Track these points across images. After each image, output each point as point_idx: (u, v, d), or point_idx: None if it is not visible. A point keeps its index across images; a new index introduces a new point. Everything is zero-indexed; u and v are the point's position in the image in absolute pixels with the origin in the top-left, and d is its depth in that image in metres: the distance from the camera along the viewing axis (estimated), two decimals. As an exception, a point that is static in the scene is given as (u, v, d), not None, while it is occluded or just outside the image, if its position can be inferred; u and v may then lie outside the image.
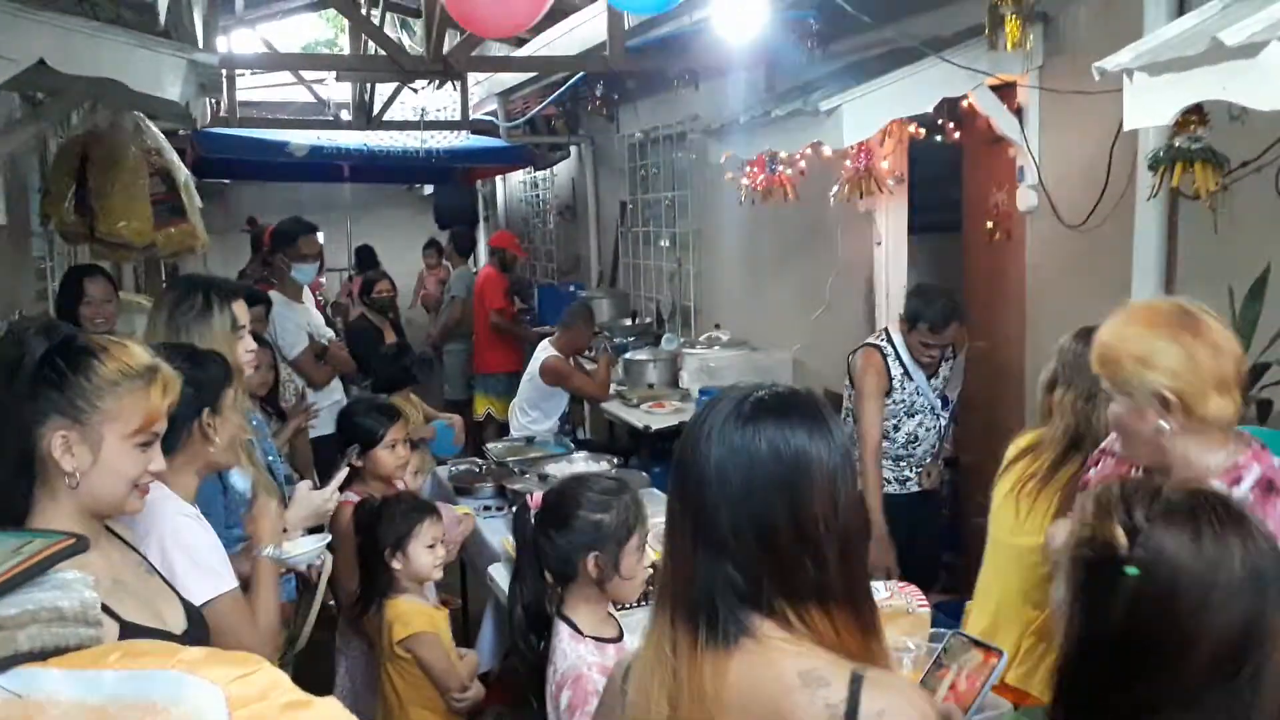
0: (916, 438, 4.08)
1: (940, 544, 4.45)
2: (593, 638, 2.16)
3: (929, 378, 4.04)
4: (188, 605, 1.78)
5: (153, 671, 0.86)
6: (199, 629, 1.74)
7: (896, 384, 3.98)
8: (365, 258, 9.29)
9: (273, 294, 4.98)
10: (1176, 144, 2.59)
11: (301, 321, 5.06)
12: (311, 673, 3.42)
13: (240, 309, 2.70)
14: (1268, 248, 2.86)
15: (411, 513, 2.87)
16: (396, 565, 2.80)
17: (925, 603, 2.72)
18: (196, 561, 1.95)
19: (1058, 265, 3.79)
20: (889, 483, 4.08)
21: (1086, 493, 1.29)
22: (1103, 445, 2.27)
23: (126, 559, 1.74)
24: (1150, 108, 2.36)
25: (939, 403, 4.10)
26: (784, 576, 1.21)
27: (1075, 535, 1.25)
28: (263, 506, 2.27)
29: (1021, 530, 2.56)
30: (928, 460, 4.12)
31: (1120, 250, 3.30)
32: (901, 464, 4.10)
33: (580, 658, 2.08)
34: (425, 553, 2.82)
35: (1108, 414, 2.01)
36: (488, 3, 3.55)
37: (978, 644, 1.44)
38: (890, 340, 4.01)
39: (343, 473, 2.76)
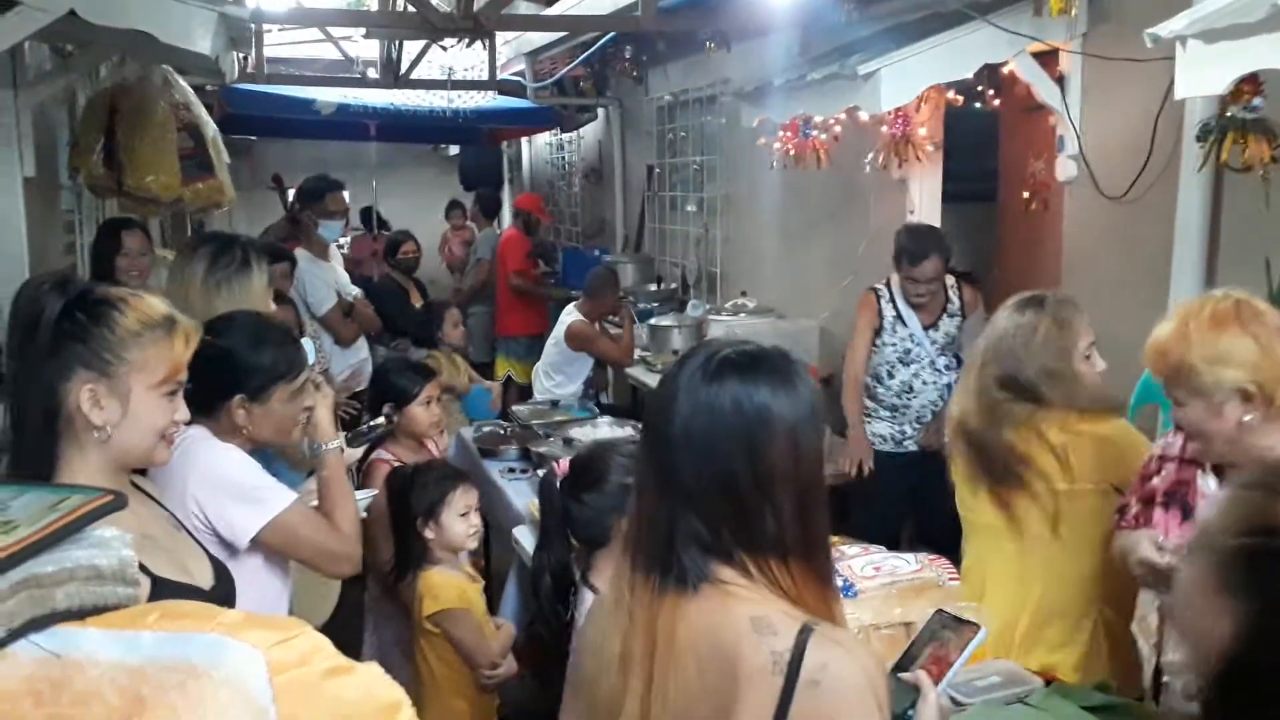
0: (912, 389, 4.10)
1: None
2: None
3: (926, 328, 4.07)
4: (215, 560, 1.78)
5: (192, 634, 0.85)
6: (225, 584, 1.73)
7: (888, 324, 4.08)
8: (367, 219, 9.27)
9: (299, 251, 4.99)
10: (1229, 114, 2.52)
11: (329, 279, 5.06)
12: (339, 631, 3.46)
13: (272, 271, 2.68)
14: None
15: (444, 480, 2.84)
16: (429, 534, 2.77)
17: (956, 575, 2.71)
18: (239, 489, 1.96)
19: (1096, 237, 3.72)
20: (884, 440, 4.14)
21: (1226, 488, 1.22)
22: (1156, 452, 2.24)
23: (154, 514, 1.74)
24: (1204, 76, 2.28)
25: (939, 357, 4.09)
26: (744, 527, 1.25)
27: (1224, 528, 1.11)
28: (322, 398, 2.24)
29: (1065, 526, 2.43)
30: (928, 416, 4.10)
31: (1162, 223, 3.24)
32: (898, 416, 4.11)
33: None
34: (458, 521, 2.79)
35: (1179, 419, 2.00)
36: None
37: (959, 620, 1.45)
38: (889, 285, 4.11)
39: (380, 421, 2.77)
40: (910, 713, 1.34)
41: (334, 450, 2.16)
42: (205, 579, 1.71)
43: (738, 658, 1.20)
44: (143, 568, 1.54)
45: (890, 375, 4.09)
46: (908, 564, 2.73)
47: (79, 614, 0.85)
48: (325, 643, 0.90)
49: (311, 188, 5.32)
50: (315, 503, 2.19)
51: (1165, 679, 2.16)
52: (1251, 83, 2.52)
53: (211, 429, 2.04)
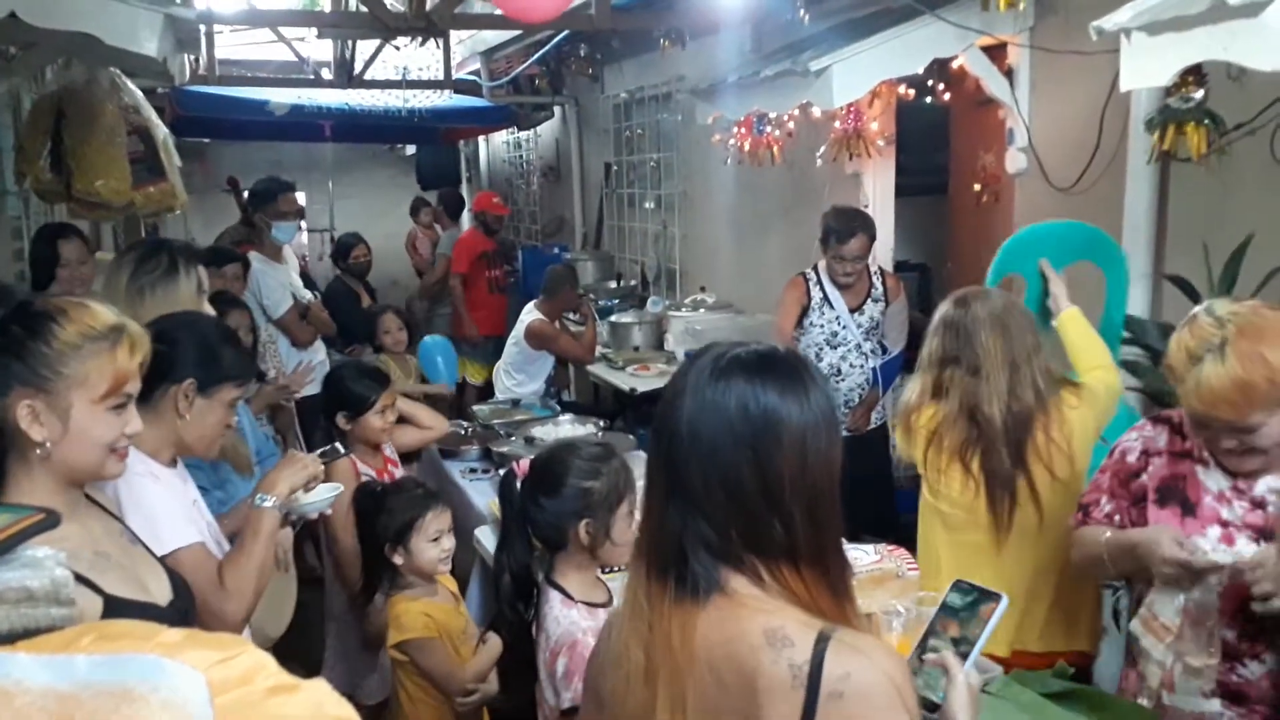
0: (840, 372, 4.23)
1: (892, 500, 4.32)
2: (584, 603, 2.14)
3: (852, 312, 4.22)
4: (174, 574, 1.74)
5: (129, 655, 0.82)
6: (184, 599, 1.70)
7: (815, 305, 4.22)
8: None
9: (253, 254, 4.94)
10: (1172, 105, 2.56)
11: (284, 280, 5.01)
12: (299, 640, 3.43)
13: (204, 273, 2.61)
14: (1260, 211, 2.84)
15: (413, 504, 2.71)
16: (398, 560, 2.67)
17: (915, 566, 2.72)
18: (149, 520, 1.88)
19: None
20: None
21: None
22: (1135, 447, 2.14)
23: (109, 528, 1.69)
24: (1148, 68, 2.31)
25: (865, 341, 4.24)
26: (752, 532, 1.21)
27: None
28: (289, 460, 2.19)
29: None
30: (855, 400, 4.21)
31: (1111, 213, 3.28)
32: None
33: (574, 623, 2.06)
34: (429, 546, 2.67)
35: (1259, 441, 1.85)
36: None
37: (982, 591, 1.41)
38: (817, 269, 4.27)
39: (332, 448, 2.71)
40: (940, 696, 1.30)
41: (270, 510, 2.08)
42: (163, 595, 1.68)
43: (756, 672, 1.16)
44: (95, 586, 1.52)
45: (818, 359, 4.20)
46: (867, 555, 2.74)
47: (9, 638, 0.83)
48: (269, 660, 0.88)
49: (263, 190, 5.26)
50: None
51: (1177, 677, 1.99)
52: (1194, 74, 2.56)
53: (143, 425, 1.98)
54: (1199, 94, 2.53)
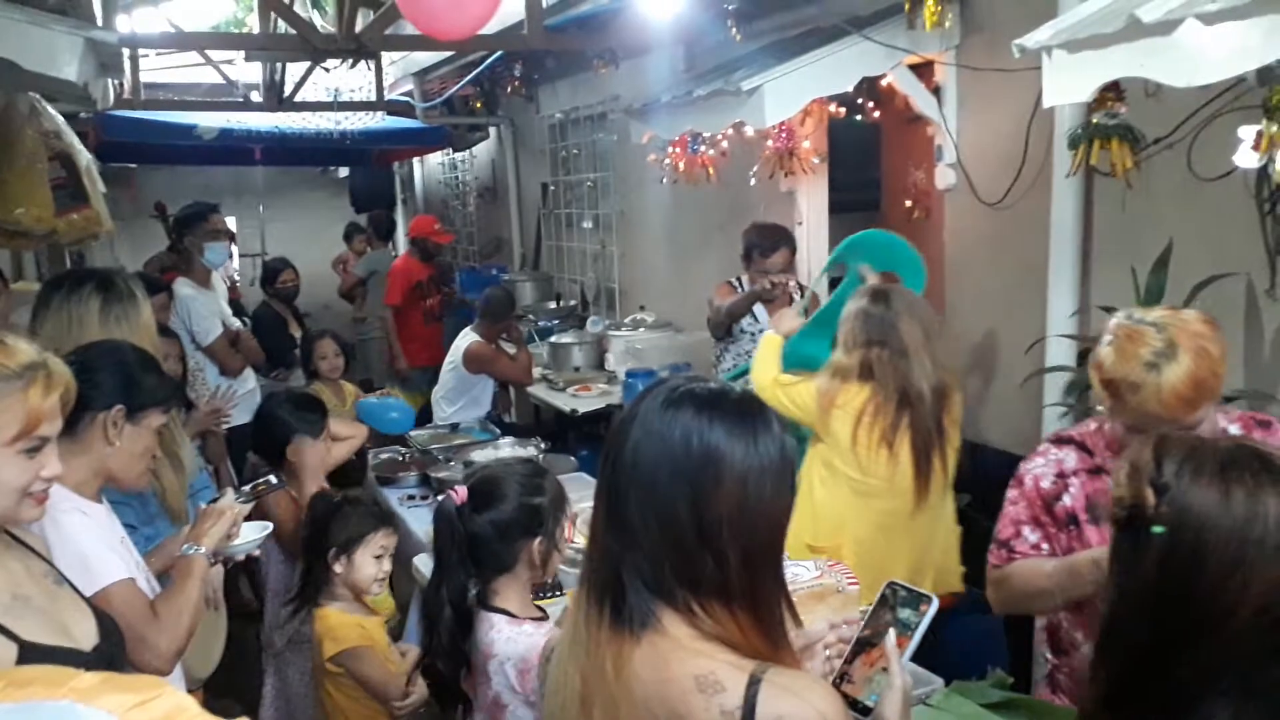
0: None
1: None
2: (529, 619, 2.13)
3: None
4: (103, 616, 1.68)
5: (39, 703, 0.79)
6: (112, 642, 1.63)
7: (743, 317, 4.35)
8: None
9: (182, 281, 4.85)
10: (1095, 121, 2.62)
11: (214, 308, 4.91)
12: (235, 676, 3.34)
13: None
14: (1179, 223, 2.92)
15: (368, 518, 2.77)
16: (338, 569, 2.70)
17: (855, 580, 2.73)
18: (78, 557, 1.83)
19: (975, 243, 3.83)
20: None
21: (1123, 457, 1.25)
22: (1047, 471, 2.12)
23: (31, 570, 1.62)
24: (1068, 85, 2.37)
25: None
26: (686, 568, 1.20)
27: (1112, 499, 1.21)
28: (208, 514, 2.18)
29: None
30: None
31: (1037, 227, 3.35)
32: None
33: (530, 636, 2.05)
34: (370, 562, 2.72)
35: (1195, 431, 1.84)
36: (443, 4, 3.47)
37: (913, 593, 1.40)
38: (742, 282, 4.43)
39: (269, 479, 2.68)
40: (874, 699, 1.30)
41: (202, 557, 2.09)
42: (88, 639, 1.61)
43: (688, 715, 1.15)
44: (9, 633, 1.45)
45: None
46: (808, 571, 2.74)
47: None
48: (189, 702, 0.85)
49: (190, 214, 5.14)
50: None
51: None
52: (1114, 90, 2.62)
53: (68, 459, 1.92)
54: (1122, 110, 2.59)
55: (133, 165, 9.71)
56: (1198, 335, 1.82)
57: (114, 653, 1.63)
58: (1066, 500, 2.07)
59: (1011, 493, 2.16)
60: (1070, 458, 2.09)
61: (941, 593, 2.59)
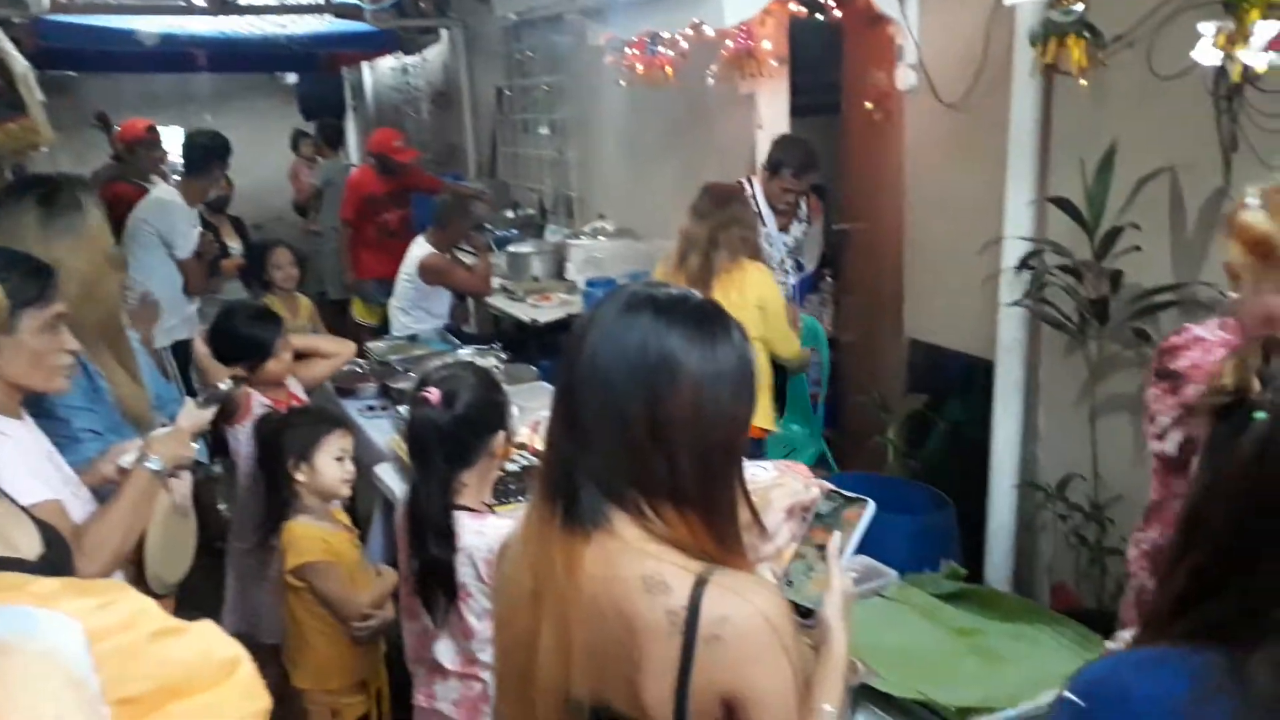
0: None
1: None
2: (490, 513, 2.20)
3: (780, 231, 4.34)
4: (46, 528, 1.67)
5: (1, 608, 0.79)
6: (58, 551, 1.62)
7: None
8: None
9: (167, 189, 4.83)
10: (1054, 18, 2.59)
11: (195, 225, 4.86)
12: (201, 585, 3.36)
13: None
14: (1136, 121, 2.92)
15: (319, 423, 2.75)
16: (301, 478, 2.67)
17: (813, 480, 2.78)
18: (7, 478, 1.79)
19: (936, 144, 3.81)
20: None
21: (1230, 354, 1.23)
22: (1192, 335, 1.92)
23: None
24: (1028, -20, 2.34)
25: (787, 258, 4.37)
26: (637, 471, 1.21)
27: (1211, 386, 1.19)
28: (179, 434, 2.15)
29: None
30: None
31: (997, 128, 3.32)
32: None
33: (497, 531, 2.06)
34: (332, 465, 2.69)
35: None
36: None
37: (848, 498, 1.43)
38: (751, 183, 4.31)
39: (228, 384, 2.64)
40: (816, 603, 1.32)
41: (148, 471, 2.02)
42: (32, 549, 1.60)
43: (634, 615, 1.17)
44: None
45: None
46: (766, 472, 2.78)
47: None
48: (151, 605, 0.85)
49: (219, 145, 5.10)
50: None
51: None
52: (1073, -14, 2.59)
53: None
54: (1079, 7, 2.56)
55: (72, 73, 9.38)
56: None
57: (61, 559, 1.62)
58: (1184, 361, 1.87)
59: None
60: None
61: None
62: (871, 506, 1.38)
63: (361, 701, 2.76)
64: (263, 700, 0.87)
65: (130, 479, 2.01)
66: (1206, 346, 1.89)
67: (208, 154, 5.06)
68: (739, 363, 1.24)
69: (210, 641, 0.87)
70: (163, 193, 4.78)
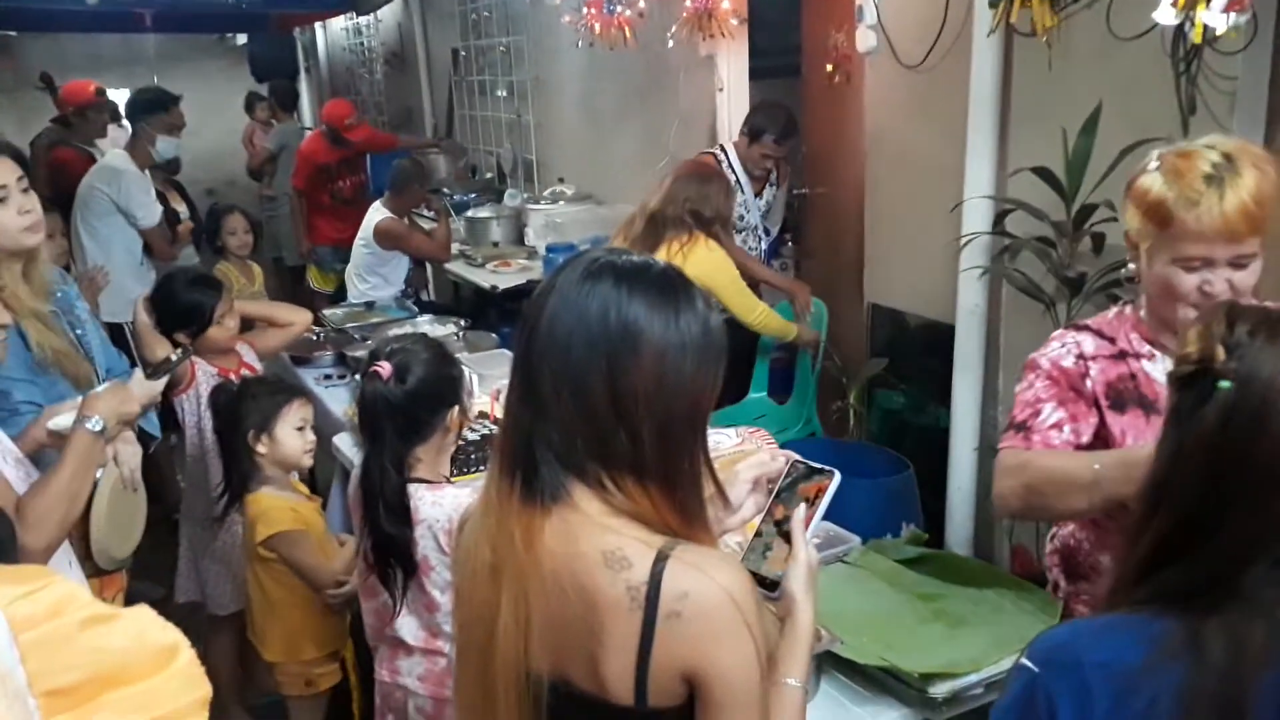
0: None
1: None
2: (446, 484, 2.18)
3: (755, 196, 4.31)
4: None
5: (-86, 598, 0.74)
6: (2, 530, 1.57)
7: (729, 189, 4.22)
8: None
9: (118, 154, 4.72)
10: (1014, -24, 2.55)
11: (152, 192, 4.73)
12: (153, 560, 3.31)
13: None
14: (1099, 85, 2.91)
15: (278, 393, 2.70)
16: (261, 450, 2.63)
17: (774, 445, 2.77)
18: None
19: (896, 106, 3.78)
20: None
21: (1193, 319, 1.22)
22: (1065, 354, 1.87)
23: None
24: (990, -62, 2.30)
25: (761, 223, 4.36)
26: (598, 443, 1.18)
27: (1177, 355, 1.20)
28: (118, 388, 2.07)
29: None
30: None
31: (958, 90, 3.30)
32: None
33: (455, 501, 2.07)
34: (293, 435, 2.65)
35: (1246, 280, 1.69)
36: None
37: (812, 469, 1.40)
38: (725, 153, 4.28)
39: (176, 354, 2.57)
40: (779, 574, 1.30)
41: (87, 432, 1.92)
42: None
43: (594, 591, 1.14)
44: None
45: None
46: (729, 439, 2.78)
47: None
48: (81, 591, 0.81)
49: (148, 100, 4.95)
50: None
51: None
52: (1035, -55, 2.55)
53: None
54: (1040, -35, 2.53)
55: (12, 32, 9.10)
56: (1255, 155, 1.68)
57: (4, 540, 1.56)
58: (1089, 383, 1.83)
59: (1024, 381, 1.91)
60: (1088, 342, 1.87)
61: None
62: (837, 477, 1.36)
63: (335, 670, 2.73)
64: (203, 688, 0.83)
65: (71, 443, 1.92)
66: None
67: (151, 108, 4.91)
68: (703, 332, 1.20)
69: (145, 628, 0.83)
70: (114, 159, 4.67)
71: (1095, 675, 1.11)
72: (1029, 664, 1.16)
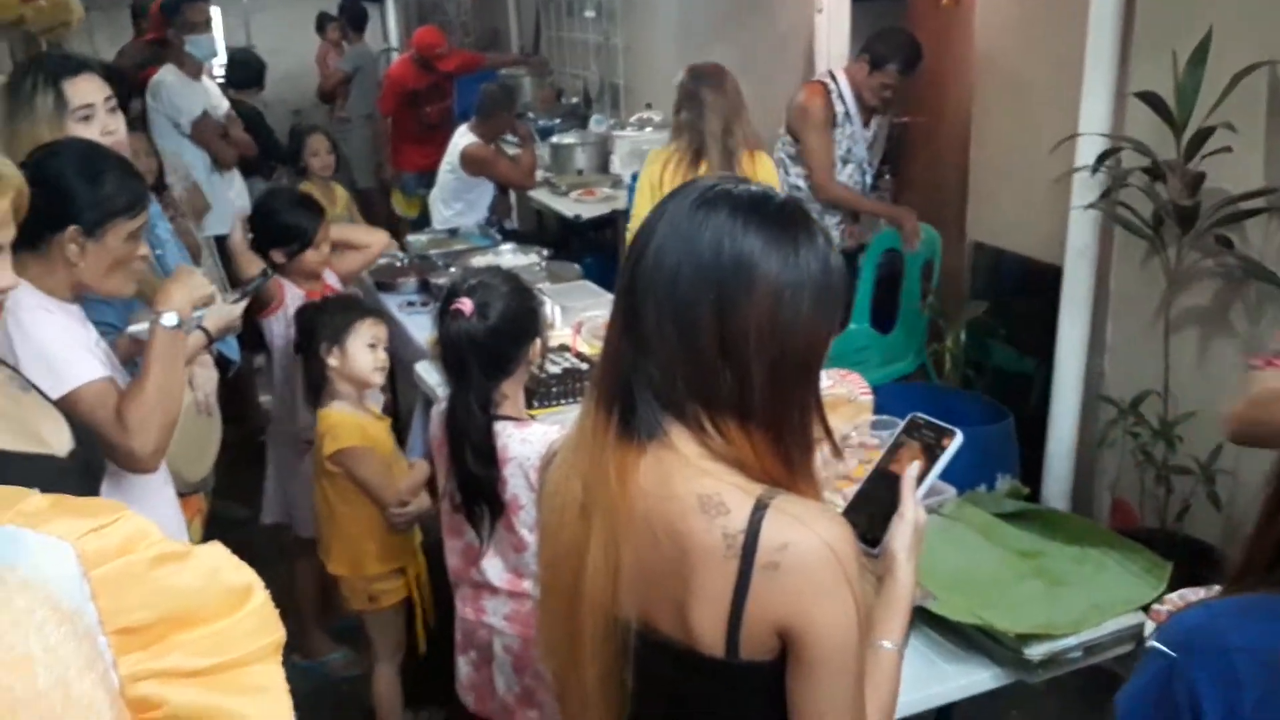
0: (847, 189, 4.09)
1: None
2: (533, 421, 2.16)
3: (863, 126, 4.06)
4: (76, 423, 1.60)
5: (-21, 528, 0.70)
6: (89, 449, 1.56)
7: (840, 119, 3.98)
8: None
9: (168, 68, 4.68)
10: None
11: (199, 97, 4.72)
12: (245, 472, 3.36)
13: (78, 87, 2.26)
14: (1222, 11, 2.70)
15: (351, 310, 2.72)
16: (333, 362, 2.63)
17: (868, 390, 2.67)
18: (43, 357, 1.74)
19: (1009, 30, 3.57)
20: None
21: None
22: None
23: None
24: None
25: (866, 154, 4.11)
26: (701, 382, 1.11)
27: None
28: (182, 272, 2.04)
29: None
30: (850, 218, 4.12)
31: (1076, 12, 3.10)
32: (830, 214, 4.03)
33: (546, 438, 2.02)
34: (364, 351, 2.65)
35: None
36: None
37: (932, 425, 1.31)
38: (835, 80, 3.99)
39: (257, 277, 2.57)
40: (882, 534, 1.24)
41: (164, 329, 1.88)
42: (62, 443, 1.54)
43: (688, 536, 1.09)
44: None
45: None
46: (821, 381, 2.68)
47: None
48: (152, 527, 0.76)
49: (168, 3, 4.85)
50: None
51: None
52: None
53: (36, 271, 1.80)
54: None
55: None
56: None
57: (90, 457, 1.55)
58: None
59: None
60: None
61: None
62: (959, 438, 1.27)
63: (400, 586, 2.74)
64: (276, 632, 0.78)
65: (151, 346, 1.88)
66: None
67: (170, 11, 4.86)
68: (823, 270, 1.11)
69: (219, 567, 0.78)
70: (161, 73, 4.68)
71: (1243, 660, 1.01)
72: (1164, 648, 1.06)
